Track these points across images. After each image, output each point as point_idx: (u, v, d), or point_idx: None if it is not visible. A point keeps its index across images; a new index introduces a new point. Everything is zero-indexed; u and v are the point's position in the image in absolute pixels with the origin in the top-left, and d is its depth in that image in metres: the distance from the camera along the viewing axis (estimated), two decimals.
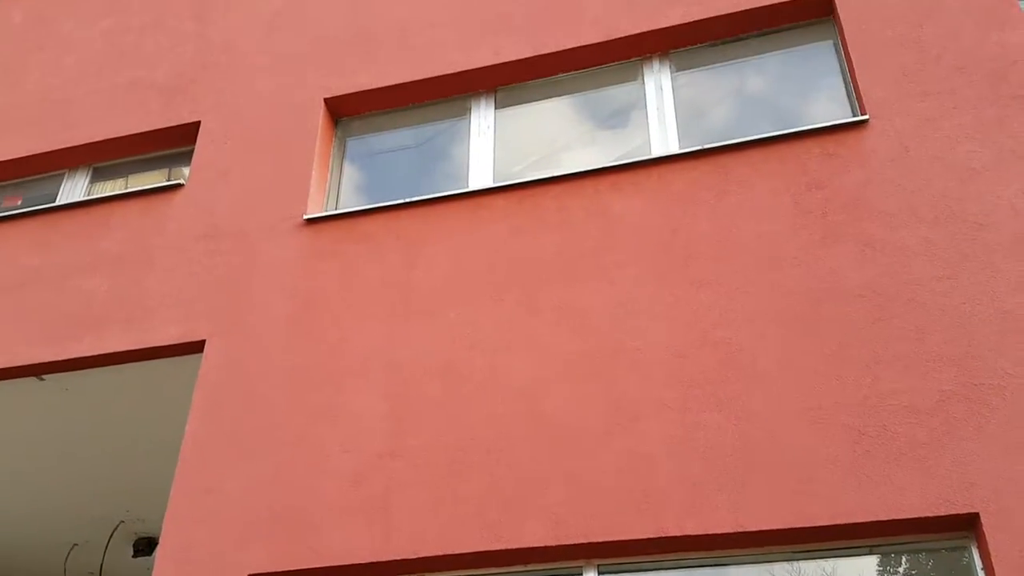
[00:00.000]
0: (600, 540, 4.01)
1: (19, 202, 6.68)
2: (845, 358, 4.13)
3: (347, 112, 6.16)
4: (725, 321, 4.40)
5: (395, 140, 6.17)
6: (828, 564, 3.89)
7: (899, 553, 3.88)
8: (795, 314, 4.31)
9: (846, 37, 5.08)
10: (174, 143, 6.39)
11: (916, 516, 3.70)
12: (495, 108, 5.91)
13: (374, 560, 4.26)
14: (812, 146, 4.77)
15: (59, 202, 6.38)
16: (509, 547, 4.10)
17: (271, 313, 5.21)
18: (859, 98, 4.89)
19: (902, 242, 4.33)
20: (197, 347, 5.26)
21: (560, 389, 4.45)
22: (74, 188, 6.52)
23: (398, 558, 4.23)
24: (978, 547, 3.67)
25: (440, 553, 4.18)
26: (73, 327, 5.54)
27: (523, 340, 4.67)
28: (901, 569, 3.91)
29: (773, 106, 5.34)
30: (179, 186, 5.96)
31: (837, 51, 5.26)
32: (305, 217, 5.52)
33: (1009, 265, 4.13)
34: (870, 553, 3.87)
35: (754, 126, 5.23)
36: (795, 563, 3.91)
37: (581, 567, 4.12)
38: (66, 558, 7.50)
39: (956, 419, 3.84)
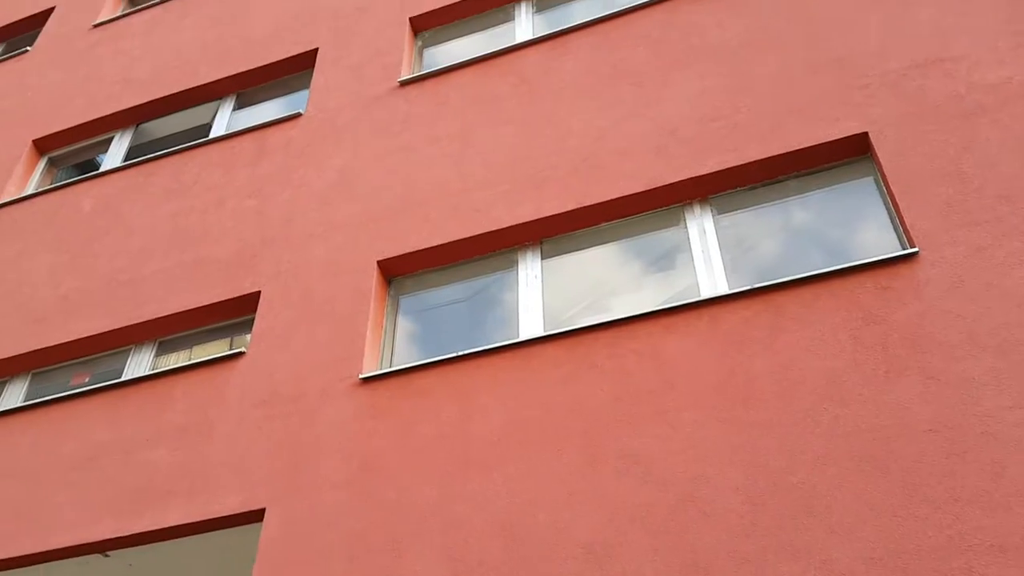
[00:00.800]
0: None
1: (87, 379, 6.91)
2: (922, 497, 3.96)
3: (399, 272, 6.35)
4: (794, 464, 4.27)
5: (446, 295, 6.29)
6: None
7: None
8: (865, 453, 4.18)
9: (886, 173, 5.15)
10: (236, 313, 6.62)
11: None
12: (542, 259, 6.03)
13: None
14: (864, 280, 4.75)
15: (125, 377, 6.58)
16: None
17: (329, 476, 5.20)
18: (906, 231, 4.90)
19: (968, 373, 4.22)
20: (257, 516, 5.25)
21: (629, 544, 4.31)
22: (140, 362, 6.73)
23: None
24: None
25: None
26: (137, 501, 5.58)
27: (586, 493, 4.57)
28: None
29: (819, 242, 5.36)
30: (240, 354, 6.12)
31: (879, 186, 5.32)
32: (361, 376, 5.60)
33: None
34: None
35: (801, 264, 5.24)
36: None
37: None
38: None
39: None
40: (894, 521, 3.94)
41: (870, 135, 5.34)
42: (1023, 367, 4.15)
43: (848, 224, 5.36)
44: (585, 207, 5.93)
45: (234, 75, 8.59)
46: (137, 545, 5.54)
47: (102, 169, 8.48)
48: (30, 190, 8.79)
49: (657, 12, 6.82)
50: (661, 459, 4.54)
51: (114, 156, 8.75)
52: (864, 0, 6.04)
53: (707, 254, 5.50)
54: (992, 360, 4.22)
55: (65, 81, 9.69)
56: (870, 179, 5.40)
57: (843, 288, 4.77)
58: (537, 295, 5.80)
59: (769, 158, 5.56)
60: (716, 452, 4.46)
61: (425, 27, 8.14)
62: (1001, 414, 4.05)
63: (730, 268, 5.40)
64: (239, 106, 8.60)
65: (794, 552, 4.01)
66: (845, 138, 5.43)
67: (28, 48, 10.52)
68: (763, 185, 5.70)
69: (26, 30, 11.15)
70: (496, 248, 6.17)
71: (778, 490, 4.22)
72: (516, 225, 6.04)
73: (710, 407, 4.63)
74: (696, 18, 6.60)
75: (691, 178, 5.70)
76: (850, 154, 5.49)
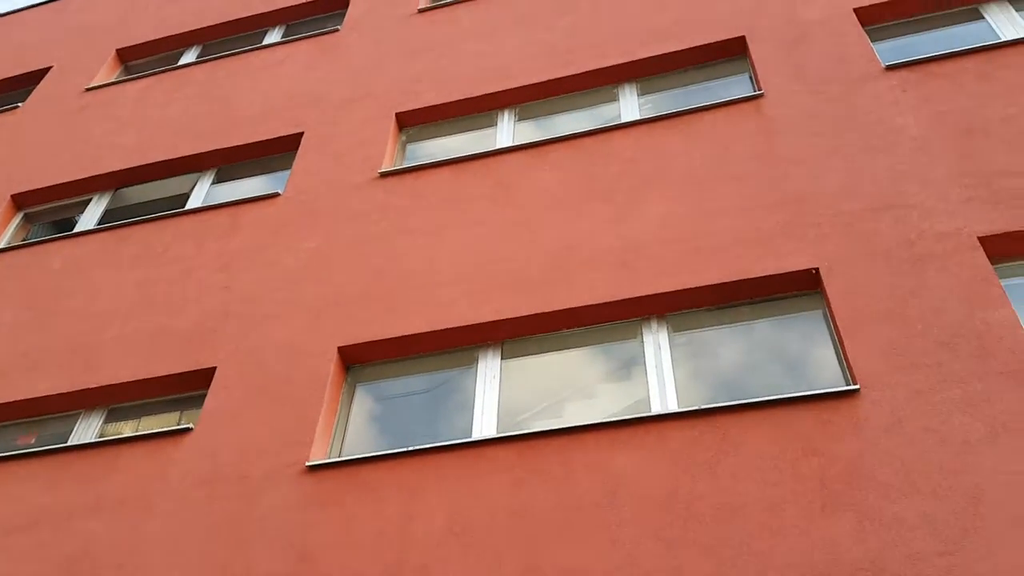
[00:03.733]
0: None
1: (33, 440, 6.80)
2: None
3: (359, 359, 6.38)
4: None
5: (404, 386, 6.33)
6: None
7: None
8: None
9: (833, 310, 5.33)
10: (190, 387, 6.57)
11: None
12: (501, 359, 6.10)
13: None
14: (807, 412, 4.87)
15: (71, 442, 6.49)
16: None
17: (266, 565, 5.12)
18: (849, 367, 5.05)
19: (901, 515, 4.30)
20: None
21: None
22: (88, 428, 6.65)
23: None
24: None
25: None
26: (71, 572, 5.44)
27: None
28: None
29: (768, 367, 5.50)
30: (188, 430, 6.07)
31: (826, 320, 5.50)
32: (308, 464, 5.57)
33: (1011, 545, 4.07)
34: None
35: (750, 386, 5.37)
36: None
37: None
38: None
39: None
40: None
41: (821, 271, 5.55)
42: (955, 513, 4.24)
43: (796, 354, 5.51)
44: (548, 312, 6.04)
45: (217, 149, 8.75)
46: None
47: (76, 230, 8.53)
48: (2, 244, 8.79)
49: (632, 134, 7.11)
50: (599, 575, 4.54)
51: (90, 218, 8.80)
52: (827, 144, 6.35)
53: (660, 370, 5.62)
54: (925, 504, 4.31)
55: (51, 140, 9.80)
56: (819, 313, 5.58)
57: (786, 417, 4.88)
58: (494, 395, 5.85)
59: (724, 283, 5.75)
60: (654, 572, 4.47)
61: (411, 123, 8.39)
62: (931, 559, 4.12)
63: (681, 385, 5.51)
64: (219, 180, 8.73)
65: None
66: (796, 272, 5.63)
67: (19, 104, 10.67)
68: (718, 308, 5.87)
69: (20, 87, 11.31)
70: (458, 344, 6.24)
71: None
72: (479, 324, 6.13)
73: (652, 525, 4.67)
74: (667, 144, 6.88)
75: (650, 295, 5.86)
76: (801, 287, 5.69)
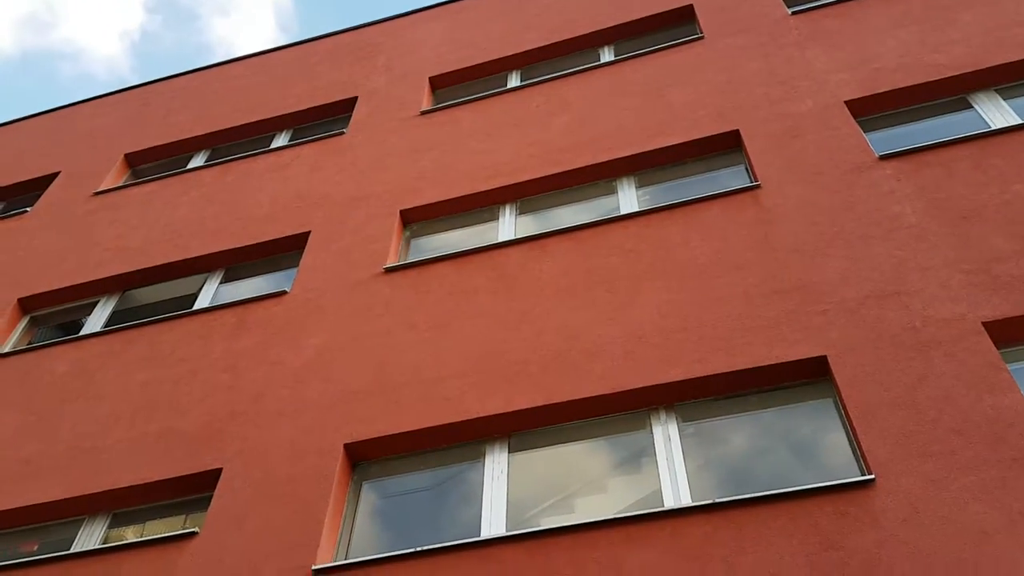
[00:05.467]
0: None
1: (36, 547, 6.68)
2: None
3: (365, 456, 6.32)
4: None
5: (411, 482, 6.25)
6: None
7: None
8: None
9: (844, 398, 5.32)
10: (196, 490, 6.50)
11: None
12: (509, 452, 6.05)
13: None
14: (823, 504, 4.80)
15: (74, 549, 6.37)
16: None
17: None
18: (863, 457, 5.00)
19: None
20: None
21: None
22: (91, 534, 6.54)
23: None
24: None
25: None
26: None
27: None
28: None
29: (781, 457, 5.45)
30: (193, 534, 5.97)
31: (837, 408, 5.47)
32: (314, 568, 5.46)
33: None
34: None
35: (763, 476, 5.31)
36: None
37: None
38: None
39: None
40: None
41: (829, 359, 5.55)
42: None
43: (808, 442, 5.47)
44: (554, 404, 6.02)
45: (225, 250, 8.87)
46: None
47: (82, 333, 8.57)
48: (7, 348, 8.82)
49: (632, 226, 7.23)
50: None
51: (96, 320, 8.85)
52: (824, 233, 6.44)
53: (671, 461, 5.56)
54: None
55: (58, 244, 9.94)
56: (830, 400, 5.56)
57: (802, 510, 4.81)
58: (502, 490, 5.78)
59: (732, 372, 5.74)
60: None
61: (414, 219, 8.54)
62: None
63: (694, 477, 5.45)
64: (227, 279, 8.83)
65: None
66: (805, 359, 5.64)
67: (28, 209, 10.86)
68: (726, 397, 5.85)
69: (29, 191, 11.53)
70: (465, 439, 6.19)
71: None
72: (486, 416, 6.10)
73: None
74: (666, 235, 6.99)
75: (657, 384, 5.85)
76: (810, 375, 5.68)
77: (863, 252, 6.17)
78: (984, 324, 5.37)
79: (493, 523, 5.56)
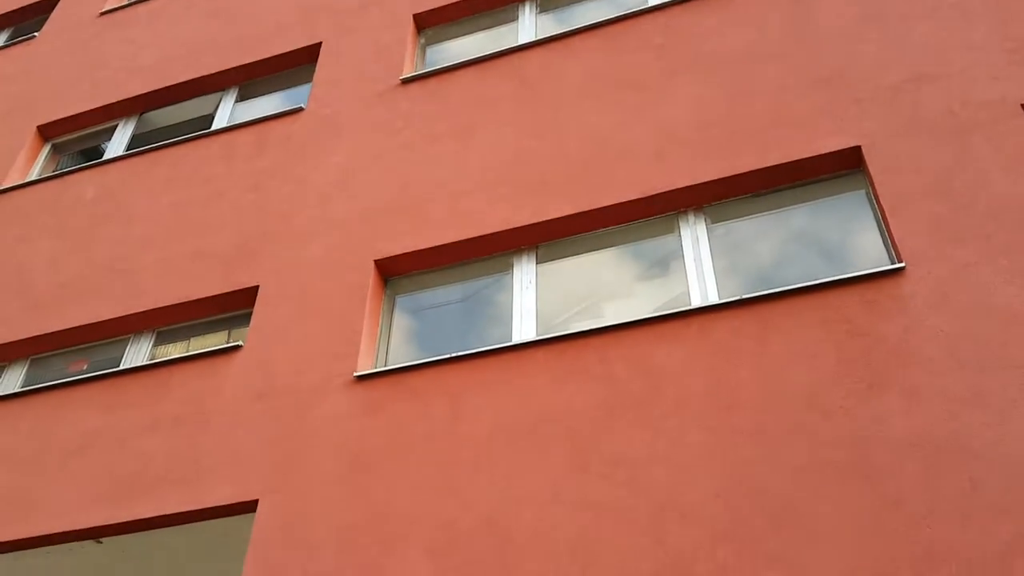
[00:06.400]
0: None
1: (85, 367, 6.98)
2: (900, 510, 4.04)
3: (396, 272, 6.40)
4: (774, 472, 4.35)
5: (442, 296, 6.36)
6: None
7: None
8: (844, 465, 4.25)
9: (876, 188, 5.21)
10: (234, 306, 6.67)
11: None
12: (537, 263, 6.08)
13: None
14: (851, 294, 4.81)
15: (123, 366, 6.65)
16: None
17: (321, 472, 5.28)
18: (894, 245, 4.96)
19: (949, 389, 4.29)
20: (250, 507, 5.33)
21: (610, 545, 4.40)
22: (138, 352, 6.81)
23: None
24: None
25: None
26: (131, 489, 5.67)
27: (571, 494, 4.65)
28: None
29: (809, 253, 5.43)
30: (238, 348, 6.19)
31: (870, 200, 5.38)
32: (355, 375, 5.67)
33: None
34: None
35: (791, 274, 5.30)
36: None
37: None
38: None
39: (1018, 574, 3.69)
40: (871, 532, 4.02)
41: (863, 149, 5.40)
42: (1002, 386, 4.22)
43: (839, 236, 5.42)
44: (582, 212, 5.98)
45: (237, 67, 8.64)
46: (130, 532, 5.62)
47: (105, 157, 8.55)
48: (33, 176, 8.86)
49: (661, 17, 6.86)
50: (644, 463, 4.62)
51: (117, 144, 8.81)
52: (863, 14, 6.09)
53: (699, 263, 5.56)
54: (973, 377, 4.29)
55: (70, 68, 9.74)
56: (862, 192, 5.46)
57: (830, 301, 4.84)
58: (531, 299, 5.86)
59: (763, 168, 5.62)
60: (698, 459, 4.54)
61: (428, 24, 8.18)
62: (979, 431, 4.13)
63: (721, 277, 5.46)
64: (241, 98, 8.65)
65: (770, 559, 4.09)
66: (838, 151, 5.48)
67: (35, 34, 10.57)
68: (757, 195, 5.75)
69: (33, 16, 11.18)
70: (493, 251, 6.22)
71: (758, 497, 4.30)
72: (513, 229, 6.09)
73: (695, 415, 4.71)
74: (698, 26, 6.64)
75: (687, 186, 5.76)
76: (843, 167, 5.55)
77: (902, 33, 5.84)
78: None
79: (523, 331, 5.67)
